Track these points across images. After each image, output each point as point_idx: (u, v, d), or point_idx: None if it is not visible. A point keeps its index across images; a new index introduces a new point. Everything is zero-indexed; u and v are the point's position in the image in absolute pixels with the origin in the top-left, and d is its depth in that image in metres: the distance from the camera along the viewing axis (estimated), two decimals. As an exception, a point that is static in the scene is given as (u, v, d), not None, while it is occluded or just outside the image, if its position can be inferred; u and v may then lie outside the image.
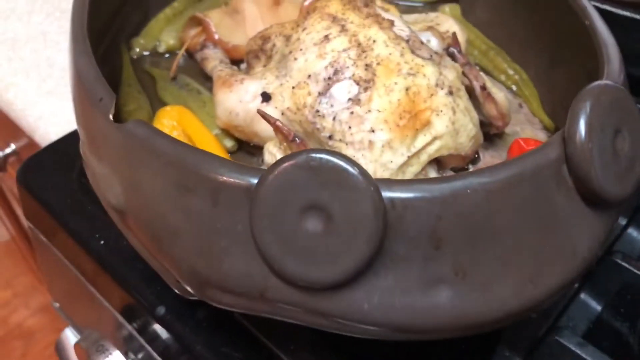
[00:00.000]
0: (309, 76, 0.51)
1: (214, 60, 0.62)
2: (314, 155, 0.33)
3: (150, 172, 0.38)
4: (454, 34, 0.56)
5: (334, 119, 0.49)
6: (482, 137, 0.54)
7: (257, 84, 0.54)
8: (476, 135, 0.53)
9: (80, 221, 0.60)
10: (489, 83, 0.54)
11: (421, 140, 0.49)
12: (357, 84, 0.49)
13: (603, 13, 0.58)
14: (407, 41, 0.52)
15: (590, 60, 0.55)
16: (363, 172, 0.33)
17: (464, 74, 0.54)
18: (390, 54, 0.50)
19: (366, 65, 0.50)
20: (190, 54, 0.67)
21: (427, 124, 0.49)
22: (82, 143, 0.47)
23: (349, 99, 0.49)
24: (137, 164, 0.39)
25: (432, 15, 0.65)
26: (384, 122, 0.48)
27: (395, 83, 0.49)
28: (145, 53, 0.68)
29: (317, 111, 0.50)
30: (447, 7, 0.73)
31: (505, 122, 0.55)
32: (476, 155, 0.56)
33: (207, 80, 0.64)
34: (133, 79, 0.63)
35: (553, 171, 0.37)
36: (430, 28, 0.60)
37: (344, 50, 0.51)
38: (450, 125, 0.50)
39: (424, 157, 0.50)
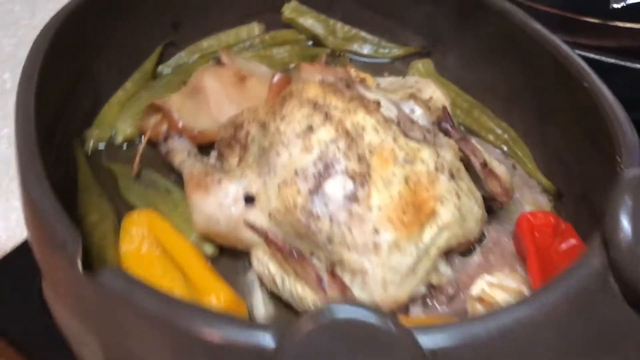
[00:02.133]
0: (296, 172, 0.46)
1: (181, 153, 0.56)
2: (339, 314, 0.28)
3: (136, 335, 0.32)
4: (444, 108, 0.52)
5: (330, 220, 0.44)
6: (486, 215, 0.50)
7: (237, 184, 0.48)
8: (482, 215, 0.49)
9: (46, 351, 0.53)
10: (487, 156, 0.50)
11: (429, 234, 0.45)
12: (352, 178, 0.44)
13: (588, 61, 0.56)
14: (398, 123, 0.48)
15: (587, 117, 0.52)
16: (397, 325, 0.28)
17: (460, 149, 0.50)
18: (382, 140, 0.46)
19: (359, 156, 0.45)
20: (152, 143, 0.61)
21: (432, 214, 0.45)
22: (46, 285, 0.40)
23: (345, 197, 0.44)
24: (118, 325, 0.33)
25: (410, 80, 0.61)
26: (387, 220, 0.43)
27: (393, 174, 0.45)
28: (101, 146, 0.62)
29: (311, 212, 0.45)
30: (419, 64, 0.70)
31: (509, 196, 0.51)
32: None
33: (174, 173, 0.57)
34: (91, 180, 0.56)
35: (599, 283, 0.33)
36: (412, 96, 0.56)
37: (332, 141, 0.46)
38: (456, 212, 0.46)
39: (434, 252, 0.45)
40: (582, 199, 0.54)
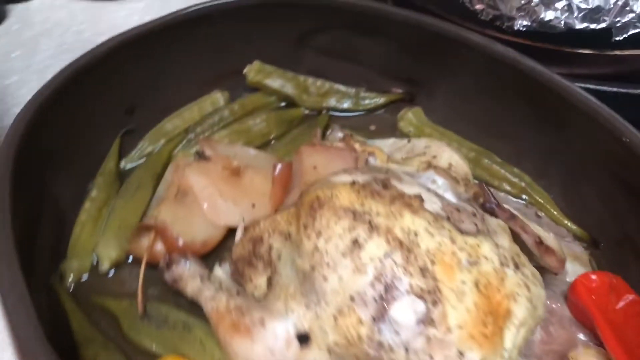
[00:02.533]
0: (352, 298, 0.40)
1: (192, 280, 0.48)
2: None
3: None
4: (482, 185, 0.48)
5: (406, 350, 0.39)
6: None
7: (285, 322, 0.42)
8: (545, 294, 0.45)
9: None
10: (539, 230, 0.47)
11: (509, 339, 0.40)
12: (421, 298, 0.39)
13: (591, 92, 0.54)
14: (447, 218, 0.43)
15: (613, 160, 0.50)
16: None
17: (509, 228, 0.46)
18: (440, 244, 0.41)
19: (420, 269, 0.40)
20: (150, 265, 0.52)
21: (508, 315, 0.41)
22: None
23: (419, 321, 0.39)
24: None
25: (419, 144, 0.56)
26: (469, 338, 0.39)
27: (463, 282, 0.40)
28: (84, 277, 0.53)
29: (380, 343, 0.39)
30: (409, 113, 0.65)
31: (564, 265, 0.48)
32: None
33: (183, 297, 0.50)
34: (89, 329, 0.48)
35: None
36: (430, 165, 0.52)
37: (386, 255, 0.40)
38: (529, 305, 0.42)
39: (515, 354, 0.41)
40: (622, 244, 0.52)
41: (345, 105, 0.68)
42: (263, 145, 0.64)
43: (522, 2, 0.59)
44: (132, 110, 0.64)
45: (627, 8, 0.55)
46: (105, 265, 0.53)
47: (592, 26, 0.56)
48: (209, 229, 0.54)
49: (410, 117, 0.65)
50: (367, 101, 0.68)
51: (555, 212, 0.56)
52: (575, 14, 0.56)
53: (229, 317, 0.44)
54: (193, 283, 0.48)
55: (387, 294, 0.40)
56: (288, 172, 0.53)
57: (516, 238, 0.46)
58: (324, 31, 0.67)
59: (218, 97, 0.68)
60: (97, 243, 0.54)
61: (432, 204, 0.44)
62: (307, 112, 0.68)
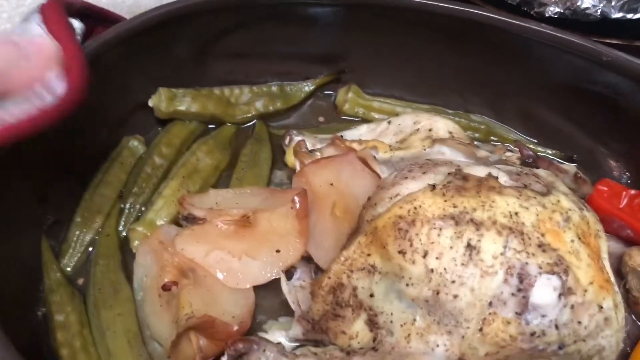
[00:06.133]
0: (491, 304, 0.38)
1: (279, 363, 0.40)
2: None
3: None
4: (518, 142, 0.48)
5: (557, 327, 0.38)
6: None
7: (435, 359, 0.38)
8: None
9: None
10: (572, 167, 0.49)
11: (609, 272, 0.43)
12: (553, 273, 0.39)
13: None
14: (525, 186, 0.42)
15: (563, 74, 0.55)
16: None
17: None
18: (537, 215, 0.40)
19: (539, 246, 0.39)
20: None
21: (599, 252, 0.43)
22: None
23: (560, 295, 0.38)
24: None
25: (404, 122, 0.54)
26: (600, 289, 0.40)
27: (572, 240, 0.40)
28: None
29: (532, 333, 0.38)
30: (349, 93, 0.61)
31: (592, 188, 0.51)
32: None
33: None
34: None
35: None
36: (435, 141, 0.50)
37: (504, 247, 0.38)
38: (604, 234, 0.44)
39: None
40: (592, 150, 0.58)
41: (279, 104, 0.61)
42: (220, 180, 0.55)
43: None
44: (44, 199, 0.49)
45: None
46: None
47: (629, 16, 0.57)
48: (241, 298, 0.45)
49: (351, 96, 0.61)
50: (296, 93, 0.62)
51: (523, 143, 0.59)
52: (613, 3, 0.56)
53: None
54: (285, 366, 0.41)
55: (522, 283, 0.38)
56: (307, 201, 0.46)
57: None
58: (224, 36, 0.58)
59: (135, 145, 0.56)
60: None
61: (503, 178, 0.43)
62: (238, 126, 0.60)
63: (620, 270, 0.50)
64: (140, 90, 0.57)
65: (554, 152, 0.59)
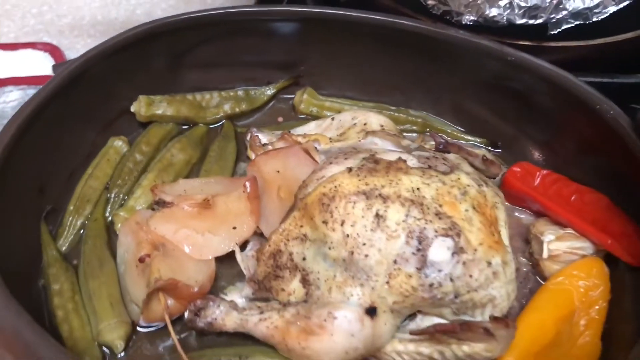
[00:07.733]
0: (395, 261, 0.47)
1: (229, 316, 0.50)
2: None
3: None
4: (433, 132, 0.57)
5: (451, 280, 0.47)
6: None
7: (349, 307, 0.47)
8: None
9: None
10: (481, 151, 0.58)
11: (505, 236, 0.51)
12: (447, 236, 0.47)
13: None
14: (429, 167, 0.51)
15: (487, 74, 0.63)
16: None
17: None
18: (437, 189, 0.49)
19: (436, 215, 0.48)
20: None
21: (496, 220, 0.51)
22: None
23: (453, 253, 0.47)
24: None
25: (345, 118, 0.63)
26: (489, 249, 0.48)
27: (466, 210, 0.49)
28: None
29: (431, 284, 0.47)
30: (304, 95, 0.71)
31: (500, 169, 0.60)
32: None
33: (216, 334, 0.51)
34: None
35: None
36: (369, 133, 0.59)
37: (407, 215, 0.47)
38: (503, 207, 0.53)
39: (508, 242, 0.52)
40: (515, 137, 0.66)
41: (244, 106, 0.70)
42: (191, 172, 0.65)
43: (469, -1, 0.66)
44: (42, 190, 0.59)
45: (561, 6, 0.65)
46: (120, 346, 0.51)
47: (531, 22, 0.65)
48: (203, 266, 0.54)
49: (306, 97, 0.71)
50: (259, 97, 0.71)
51: (455, 133, 0.68)
52: (516, 11, 0.65)
53: (294, 327, 0.47)
54: (231, 318, 0.50)
55: (420, 244, 0.47)
56: (257, 185, 0.56)
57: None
58: (196, 48, 0.68)
59: (119, 145, 0.65)
60: (98, 332, 0.51)
61: (411, 161, 0.52)
62: (209, 126, 0.69)
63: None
64: (123, 97, 0.66)
65: (482, 140, 0.68)
